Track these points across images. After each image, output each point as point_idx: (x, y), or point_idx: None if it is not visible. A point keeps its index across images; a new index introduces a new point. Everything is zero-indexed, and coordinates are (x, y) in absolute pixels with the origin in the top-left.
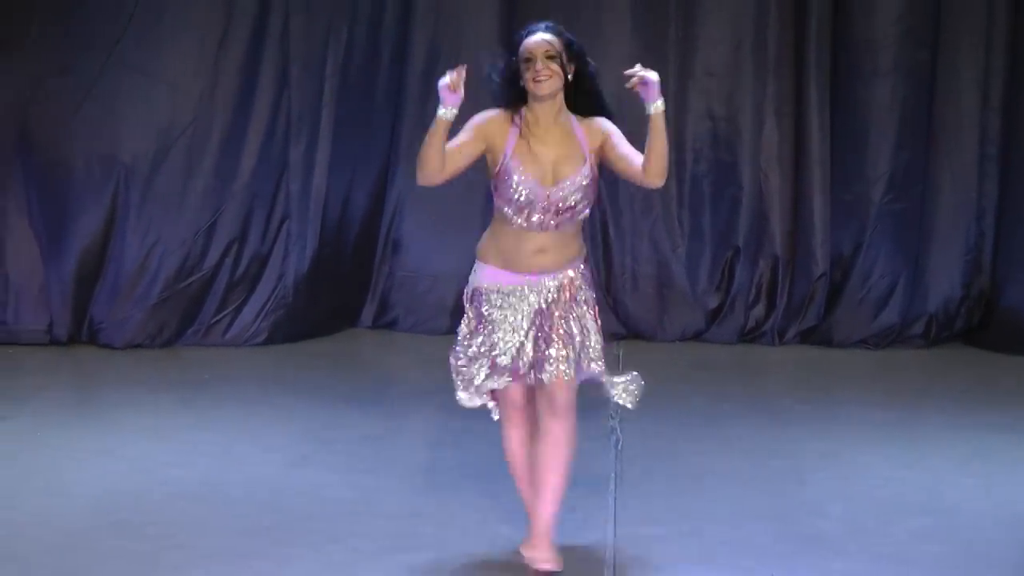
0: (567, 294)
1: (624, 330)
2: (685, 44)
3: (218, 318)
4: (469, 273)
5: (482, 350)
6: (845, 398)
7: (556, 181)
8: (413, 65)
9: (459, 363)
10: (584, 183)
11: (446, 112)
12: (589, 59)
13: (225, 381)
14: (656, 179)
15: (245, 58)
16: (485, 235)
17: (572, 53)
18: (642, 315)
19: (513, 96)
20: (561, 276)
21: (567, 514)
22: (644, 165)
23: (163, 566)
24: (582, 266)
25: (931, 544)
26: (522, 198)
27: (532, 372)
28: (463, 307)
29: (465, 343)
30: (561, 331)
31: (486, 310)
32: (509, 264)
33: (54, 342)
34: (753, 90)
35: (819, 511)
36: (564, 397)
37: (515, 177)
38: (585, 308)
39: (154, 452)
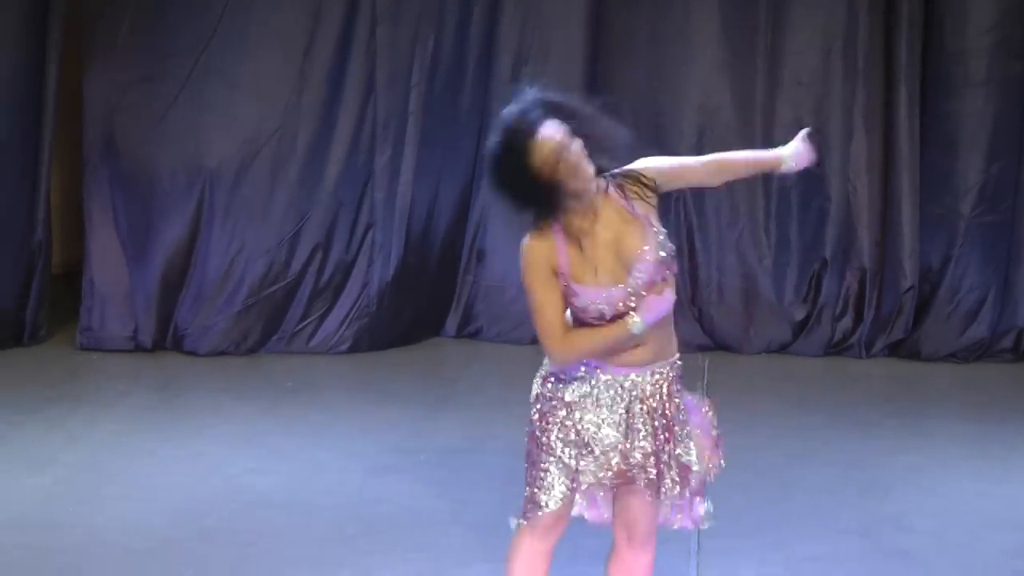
0: (665, 391)
1: (710, 342)
2: (774, 52)
3: (302, 326)
4: None
5: (554, 447)
6: (933, 412)
7: (628, 268)
8: (499, 73)
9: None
10: (654, 252)
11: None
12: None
13: (308, 389)
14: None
15: (331, 67)
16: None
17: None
18: (728, 327)
19: (542, 207)
20: (661, 369)
21: None
22: (731, 173)
23: (247, 573)
24: (679, 363)
25: (1021, 561)
26: (602, 312)
27: (607, 487)
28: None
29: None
30: (659, 441)
31: (563, 401)
32: (603, 361)
33: (139, 348)
34: (842, 100)
35: (906, 526)
36: (650, 523)
37: (583, 297)
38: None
39: (237, 459)
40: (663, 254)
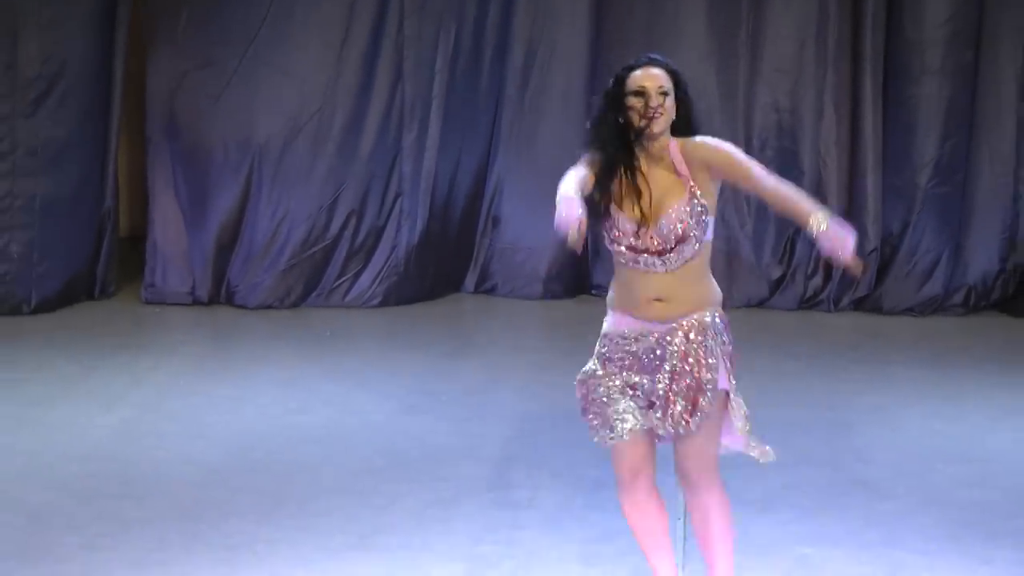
0: (693, 339)
1: None
2: (754, 42)
3: (339, 283)
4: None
5: (602, 397)
6: (893, 359)
7: (657, 218)
8: (512, 62)
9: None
10: (687, 210)
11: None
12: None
13: (344, 338)
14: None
15: (365, 55)
16: (612, 281)
17: (681, 87)
18: None
19: (616, 140)
20: (685, 323)
21: None
22: (770, 201)
23: (290, 499)
24: (716, 314)
25: (969, 489)
26: (624, 240)
27: (654, 427)
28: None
29: (593, 382)
30: (684, 385)
31: (607, 354)
32: (629, 309)
33: (196, 302)
34: (814, 85)
35: (868, 458)
36: (696, 463)
37: (615, 218)
38: (715, 359)
39: (282, 400)
40: (689, 220)
